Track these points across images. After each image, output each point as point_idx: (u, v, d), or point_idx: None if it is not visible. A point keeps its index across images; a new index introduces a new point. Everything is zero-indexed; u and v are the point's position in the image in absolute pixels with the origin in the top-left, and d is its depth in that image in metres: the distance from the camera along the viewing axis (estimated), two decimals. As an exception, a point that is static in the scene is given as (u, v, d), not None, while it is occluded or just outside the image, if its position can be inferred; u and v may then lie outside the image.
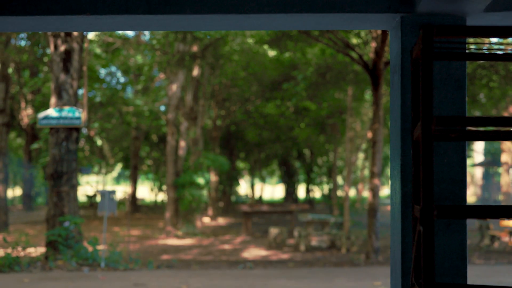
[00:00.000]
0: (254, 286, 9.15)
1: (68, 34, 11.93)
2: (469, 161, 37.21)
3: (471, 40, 10.14)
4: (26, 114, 23.03)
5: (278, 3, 2.57)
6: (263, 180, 38.24)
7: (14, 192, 36.78)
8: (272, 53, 22.11)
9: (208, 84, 22.01)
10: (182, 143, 18.94)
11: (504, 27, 2.04)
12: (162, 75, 24.30)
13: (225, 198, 31.40)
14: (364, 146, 30.76)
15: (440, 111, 2.48)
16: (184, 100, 19.79)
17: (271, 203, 23.82)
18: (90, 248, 12.29)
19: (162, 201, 36.63)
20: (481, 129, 16.42)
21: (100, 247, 13.04)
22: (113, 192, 11.81)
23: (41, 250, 13.09)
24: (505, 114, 23.79)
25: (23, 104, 22.73)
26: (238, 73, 22.26)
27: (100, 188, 38.78)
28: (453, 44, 2.33)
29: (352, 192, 40.07)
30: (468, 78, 16.31)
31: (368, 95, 23.65)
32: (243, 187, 47.21)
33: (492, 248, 14.12)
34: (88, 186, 35.71)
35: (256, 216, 25.53)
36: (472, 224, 21.51)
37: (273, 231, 14.82)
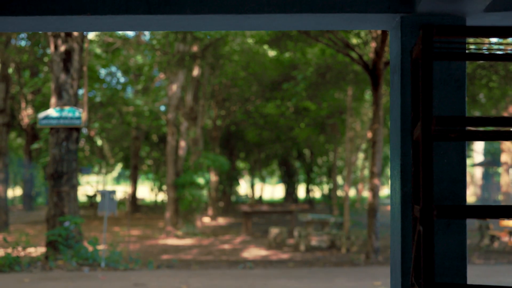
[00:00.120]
0: (254, 286, 9.15)
1: (68, 34, 11.93)
2: (469, 161, 37.21)
3: (471, 40, 10.14)
4: (26, 114, 23.02)
5: (278, 3, 2.57)
6: (263, 180, 38.23)
7: (14, 192, 36.79)
8: (272, 53, 22.11)
9: (208, 84, 22.01)
10: (182, 143, 18.94)
11: (504, 27, 2.04)
12: (162, 75, 24.30)
13: (225, 198, 31.41)
14: (364, 146, 30.75)
15: (440, 111, 2.48)
16: (184, 100, 19.79)
17: (271, 203, 23.83)
18: (90, 248, 12.29)
19: (162, 201, 36.63)
20: (481, 129, 16.42)
21: (100, 247, 13.04)
22: (113, 192, 11.82)
23: (41, 250, 13.09)
24: (505, 114, 23.79)
25: (23, 104, 22.73)
26: (238, 73, 22.26)
27: (100, 188, 38.78)
28: (453, 44, 2.33)
29: (352, 192, 40.04)
30: (468, 78, 16.31)
31: (368, 95, 23.65)
32: (243, 187, 47.20)
33: (492, 248, 14.13)
34: (88, 186, 35.73)
35: (256, 216, 25.53)
36: (472, 224, 21.51)
37: (273, 231, 14.82)
